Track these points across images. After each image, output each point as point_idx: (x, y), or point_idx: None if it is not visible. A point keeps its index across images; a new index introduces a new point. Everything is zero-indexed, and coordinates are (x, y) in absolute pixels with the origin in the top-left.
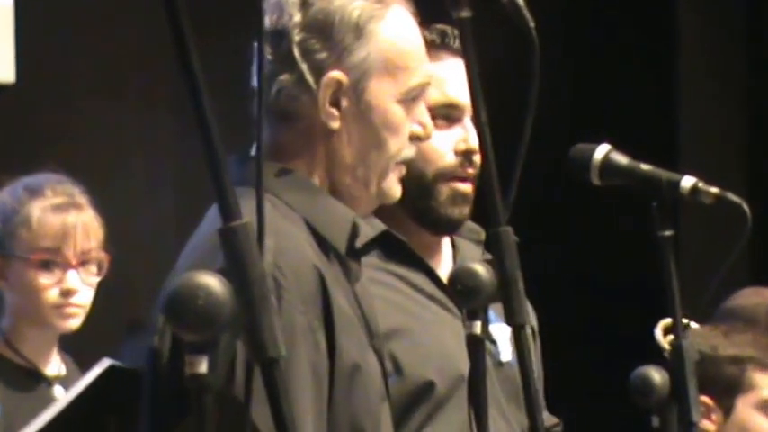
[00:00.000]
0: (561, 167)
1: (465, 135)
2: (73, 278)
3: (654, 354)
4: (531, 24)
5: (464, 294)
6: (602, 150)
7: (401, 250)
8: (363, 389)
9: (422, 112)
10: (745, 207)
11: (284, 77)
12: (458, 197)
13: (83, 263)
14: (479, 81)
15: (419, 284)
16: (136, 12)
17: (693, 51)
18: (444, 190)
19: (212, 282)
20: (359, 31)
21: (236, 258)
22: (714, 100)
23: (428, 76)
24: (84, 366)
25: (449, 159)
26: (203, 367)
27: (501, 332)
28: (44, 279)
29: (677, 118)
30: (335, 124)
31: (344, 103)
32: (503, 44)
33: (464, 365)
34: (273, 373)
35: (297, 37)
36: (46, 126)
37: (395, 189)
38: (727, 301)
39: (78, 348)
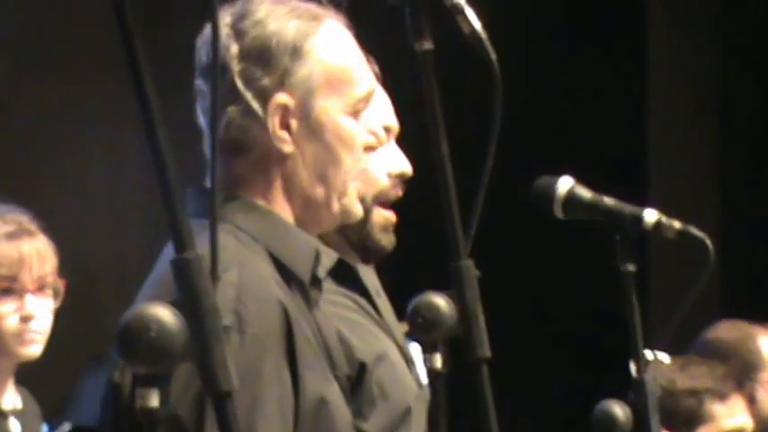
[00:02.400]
0: (519, 198)
1: (396, 157)
2: (31, 303)
3: (618, 388)
4: (493, 56)
5: (424, 327)
6: (565, 184)
7: (350, 276)
8: (330, 423)
9: (371, 121)
10: (708, 242)
11: (231, 109)
12: (388, 225)
13: (40, 288)
14: (440, 113)
15: (368, 309)
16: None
17: (663, 81)
18: (378, 217)
19: (164, 313)
20: (296, 51)
21: (188, 290)
22: (685, 130)
23: (372, 85)
24: (45, 401)
25: (384, 181)
26: (154, 401)
27: (415, 353)
28: (2, 307)
29: (647, 147)
30: (289, 148)
31: (294, 125)
32: (462, 75)
33: (416, 389)
34: (226, 407)
35: (237, 67)
36: None
37: (356, 207)
38: (705, 334)
39: (40, 382)
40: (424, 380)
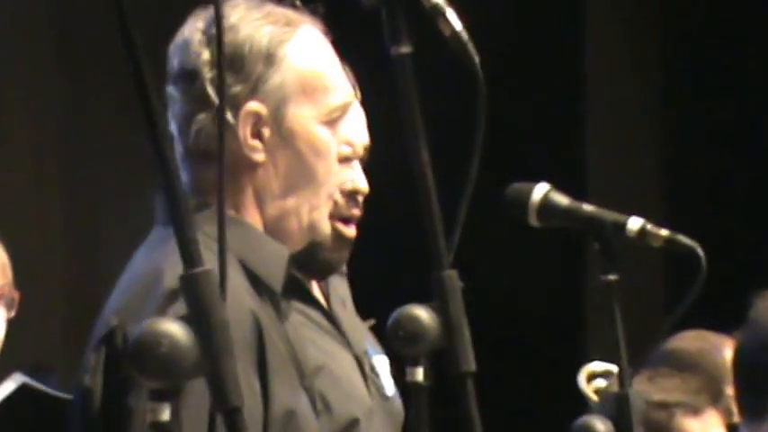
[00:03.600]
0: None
1: (352, 175)
2: None
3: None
4: (476, 60)
5: (406, 340)
6: (540, 190)
7: (298, 287)
8: None
9: (347, 131)
10: (699, 251)
11: (201, 116)
12: (342, 240)
13: None
14: (419, 119)
15: (318, 320)
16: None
17: (600, 80)
18: (329, 234)
19: (175, 329)
20: (270, 57)
21: (198, 305)
22: (624, 129)
23: (350, 94)
24: None
25: (335, 197)
26: (165, 415)
27: (382, 364)
28: None
29: (585, 148)
30: (260, 157)
31: (266, 133)
32: (442, 79)
33: (368, 401)
34: (236, 422)
35: (208, 74)
36: None
37: (324, 224)
38: (665, 344)
39: None
40: (390, 391)
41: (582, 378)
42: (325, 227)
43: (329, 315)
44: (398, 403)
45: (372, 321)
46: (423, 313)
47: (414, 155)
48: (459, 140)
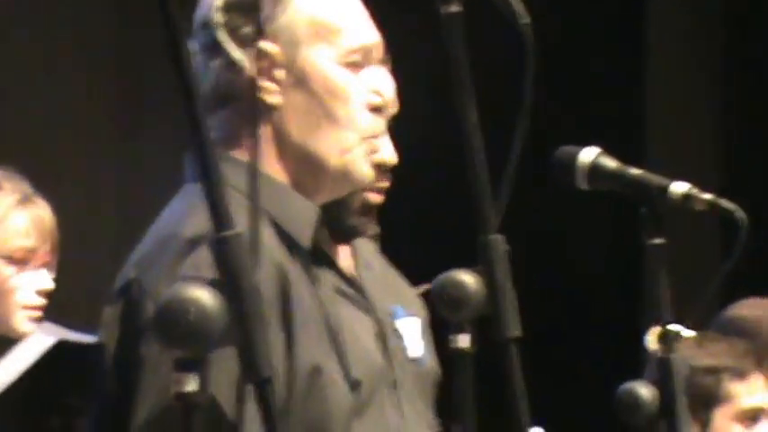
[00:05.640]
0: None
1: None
2: (47, 277)
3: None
4: (526, 21)
5: (450, 306)
6: (589, 153)
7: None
8: (323, 395)
9: (375, 80)
10: (740, 214)
11: (215, 63)
12: (369, 208)
13: (51, 262)
14: (469, 80)
15: (329, 282)
16: None
17: (664, 53)
18: (356, 200)
19: (203, 295)
20: None
21: (228, 270)
22: (685, 95)
23: (372, 36)
24: None
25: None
26: (192, 385)
27: (410, 326)
28: (17, 279)
29: (646, 117)
30: (275, 99)
31: (280, 74)
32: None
33: (382, 364)
34: (267, 393)
35: (220, 20)
36: None
37: (363, 168)
38: (726, 311)
39: None
40: (416, 353)
41: (650, 339)
42: (365, 172)
43: (349, 278)
44: (428, 365)
45: (426, 287)
46: (468, 278)
47: (462, 116)
48: (511, 104)
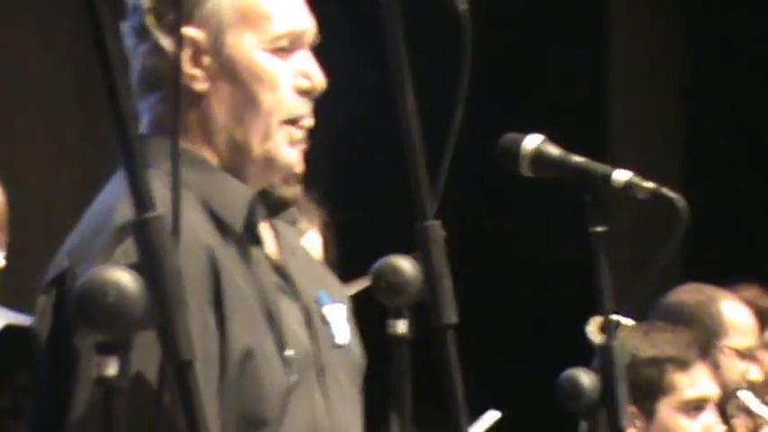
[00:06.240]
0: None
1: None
2: None
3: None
4: (464, 6)
5: (387, 292)
6: (533, 140)
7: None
8: (258, 377)
9: (303, 63)
10: (681, 203)
11: (142, 49)
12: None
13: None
14: (406, 66)
15: (263, 263)
16: None
17: (625, 36)
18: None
19: (123, 277)
20: None
21: (149, 253)
22: (646, 87)
23: (301, 22)
24: None
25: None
26: (112, 369)
27: (336, 313)
28: None
29: (608, 104)
30: (201, 86)
31: (206, 61)
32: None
33: (310, 350)
34: (188, 376)
35: (148, 5)
36: None
37: (285, 153)
38: (665, 298)
39: None
40: (342, 340)
41: (591, 329)
42: (287, 157)
43: (276, 264)
44: (355, 351)
45: (365, 282)
46: (405, 264)
47: (400, 102)
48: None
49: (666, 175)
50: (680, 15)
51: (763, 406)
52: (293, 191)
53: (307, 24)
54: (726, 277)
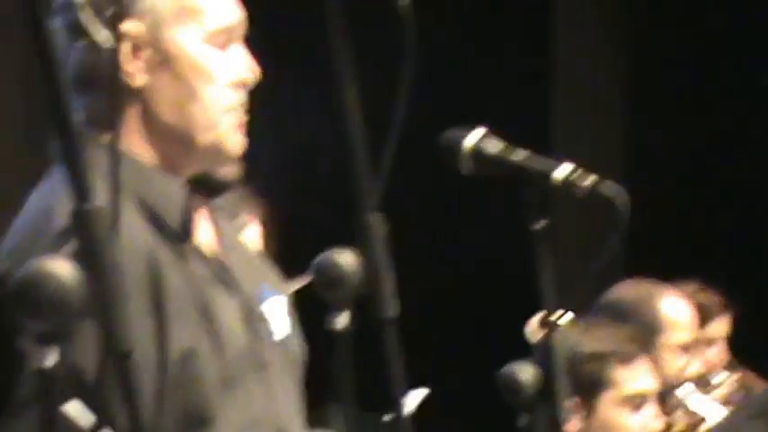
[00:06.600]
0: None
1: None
2: None
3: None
4: (405, 2)
5: (328, 285)
6: (473, 137)
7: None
8: (197, 377)
9: (238, 55)
10: (620, 201)
11: (79, 45)
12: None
13: None
14: (349, 62)
15: (198, 262)
16: None
17: (570, 33)
18: None
19: (63, 268)
20: None
21: (88, 244)
22: (594, 92)
23: (236, 15)
24: None
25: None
26: (51, 360)
27: (277, 306)
28: None
29: (553, 99)
30: (141, 81)
31: (145, 55)
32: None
33: (249, 346)
34: (126, 367)
35: (84, 0)
36: None
37: (231, 141)
38: (606, 294)
39: None
40: (281, 335)
41: (530, 327)
42: (234, 142)
43: (215, 259)
44: (295, 344)
45: (306, 279)
46: (345, 258)
47: (342, 97)
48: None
49: (608, 171)
50: (624, 14)
51: (703, 400)
52: (232, 172)
53: (240, 17)
54: (667, 272)
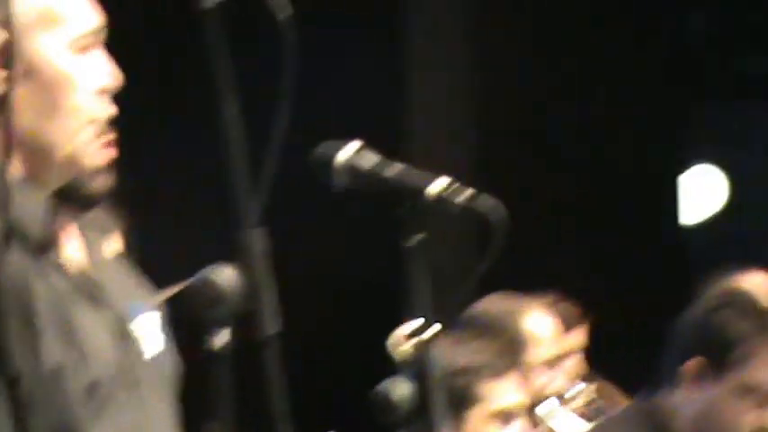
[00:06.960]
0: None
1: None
2: None
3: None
4: (286, 14)
5: (205, 303)
6: (347, 151)
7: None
8: (66, 394)
9: (100, 61)
10: (497, 215)
11: None
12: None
13: None
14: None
15: (63, 278)
16: None
17: (423, 47)
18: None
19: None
20: None
21: None
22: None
23: (96, 21)
24: None
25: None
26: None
27: (150, 322)
28: None
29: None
30: (2, 91)
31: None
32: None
33: (120, 364)
34: (17, 389)
35: None
36: None
37: (90, 154)
38: (470, 309)
39: None
40: (151, 352)
41: (393, 341)
42: (91, 156)
43: (83, 275)
44: (165, 360)
45: (176, 288)
46: (224, 275)
47: (221, 109)
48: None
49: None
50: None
51: (564, 417)
52: (100, 185)
53: (100, 23)
54: (528, 285)
